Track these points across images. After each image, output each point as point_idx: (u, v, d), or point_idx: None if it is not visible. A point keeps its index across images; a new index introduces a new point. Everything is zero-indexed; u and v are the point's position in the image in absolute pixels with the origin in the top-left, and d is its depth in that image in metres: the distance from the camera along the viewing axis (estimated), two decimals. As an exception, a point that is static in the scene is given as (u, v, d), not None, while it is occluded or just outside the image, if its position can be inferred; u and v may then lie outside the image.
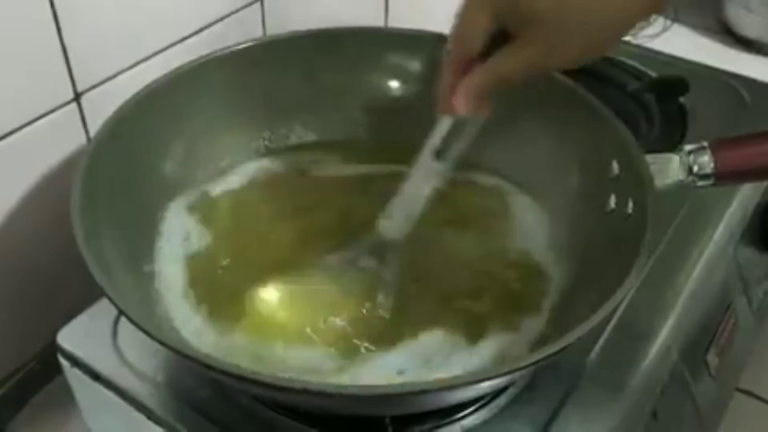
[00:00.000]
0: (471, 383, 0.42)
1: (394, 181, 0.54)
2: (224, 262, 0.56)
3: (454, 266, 0.57)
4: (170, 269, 0.55)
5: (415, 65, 0.66)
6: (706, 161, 0.50)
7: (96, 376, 0.54)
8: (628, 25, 0.42)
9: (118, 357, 0.54)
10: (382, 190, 0.55)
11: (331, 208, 0.61)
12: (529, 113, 0.61)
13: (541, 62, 0.43)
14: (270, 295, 0.54)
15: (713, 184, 0.51)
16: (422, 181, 0.52)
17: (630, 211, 0.51)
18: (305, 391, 0.40)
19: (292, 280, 0.55)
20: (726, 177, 0.50)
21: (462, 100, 0.45)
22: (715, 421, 0.71)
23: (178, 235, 0.58)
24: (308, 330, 0.52)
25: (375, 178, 0.63)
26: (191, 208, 0.59)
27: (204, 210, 0.60)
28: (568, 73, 0.60)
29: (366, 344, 0.51)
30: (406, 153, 0.53)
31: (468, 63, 0.45)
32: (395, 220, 0.54)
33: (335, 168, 0.65)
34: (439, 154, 0.51)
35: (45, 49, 0.55)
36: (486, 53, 0.44)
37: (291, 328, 0.52)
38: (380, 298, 0.53)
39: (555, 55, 0.43)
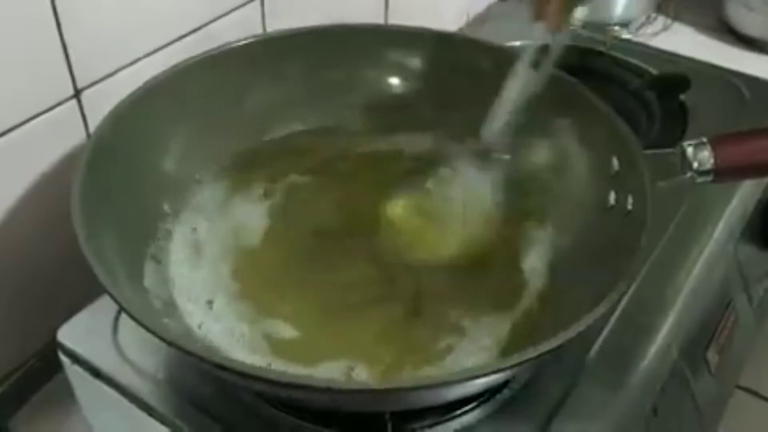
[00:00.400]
0: (467, 379, 0.42)
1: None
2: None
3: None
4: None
5: (414, 63, 0.66)
6: (705, 157, 0.50)
7: (96, 373, 0.54)
8: None
9: (118, 354, 0.54)
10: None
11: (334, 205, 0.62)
12: (530, 110, 0.61)
13: None
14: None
15: (713, 181, 0.51)
16: (519, 87, 0.57)
17: (630, 207, 0.51)
18: (304, 388, 0.40)
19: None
20: (726, 173, 0.50)
21: (554, 14, 0.55)
22: (715, 418, 0.71)
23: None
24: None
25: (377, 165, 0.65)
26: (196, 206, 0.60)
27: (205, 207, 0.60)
28: (568, 70, 0.60)
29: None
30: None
31: None
32: (496, 125, 0.58)
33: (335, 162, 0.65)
34: (534, 63, 0.57)
35: (45, 46, 0.55)
36: None
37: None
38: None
39: None
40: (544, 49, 0.56)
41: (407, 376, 0.49)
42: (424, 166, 0.64)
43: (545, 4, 0.55)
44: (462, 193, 0.61)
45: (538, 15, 0.56)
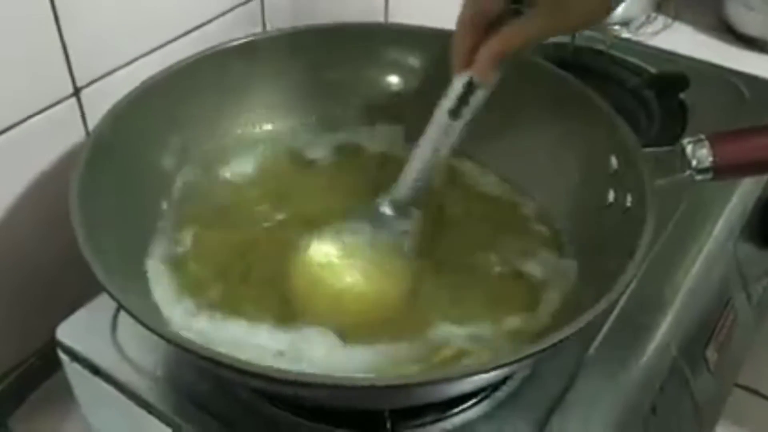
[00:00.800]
0: (465, 376, 0.42)
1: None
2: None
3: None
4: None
5: (414, 61, 0.66)
6: (704, 155, 0.50)
7: (95, 371, 0.54)
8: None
9: (117, 351, 0.54)
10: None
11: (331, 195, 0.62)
12: (529, 108, 0.61)
13: (553, 28, 0.48)
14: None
15: (712, 178, 0.51)
16: (437, 140, 0.54)
17: (628, 205, 0.51)
18: (302, 385, 0.40)
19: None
20: (725, 171, 0.50)
21: (485, 65, 0.49)
22: (713, 416, 0.71)
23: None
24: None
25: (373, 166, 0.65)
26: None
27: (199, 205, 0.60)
28: (568, 69, 0.60)
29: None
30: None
31: (487, 26, 0.49)
32: (411, 181, 0.55)
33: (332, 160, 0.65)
34: (453, 113, 0.52)
35: (45, 45, 0.55)
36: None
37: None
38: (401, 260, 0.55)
39: (564, 22, 0.47)
40: (464, 97, 0.52)
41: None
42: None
43: (471, 51, 0.49)
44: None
45: (465, 64, 0.50)
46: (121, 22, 0.59)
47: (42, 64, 0.55)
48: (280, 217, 0.60)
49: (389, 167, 0.64)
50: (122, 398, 0.53)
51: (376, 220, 0.56)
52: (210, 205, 0.60)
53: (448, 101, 0.52)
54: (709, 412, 0.66)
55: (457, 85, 0.52)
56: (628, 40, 0.94)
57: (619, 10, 1.01)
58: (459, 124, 0.53)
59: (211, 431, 0.50)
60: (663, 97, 0.80)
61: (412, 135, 0.65)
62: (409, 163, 0.55)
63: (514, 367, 0.48)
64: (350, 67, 0.66)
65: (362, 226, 0.56)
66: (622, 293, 0.45)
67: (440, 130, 0.53)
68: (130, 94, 0.56)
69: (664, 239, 0.63)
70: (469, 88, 0.51)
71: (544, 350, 0.41)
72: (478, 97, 0.52)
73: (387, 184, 0.58)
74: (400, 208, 0.56)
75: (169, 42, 0.63)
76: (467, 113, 0.52)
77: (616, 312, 0.57)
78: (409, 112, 0.66)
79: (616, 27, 1.00)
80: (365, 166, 0.65)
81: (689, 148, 0.50)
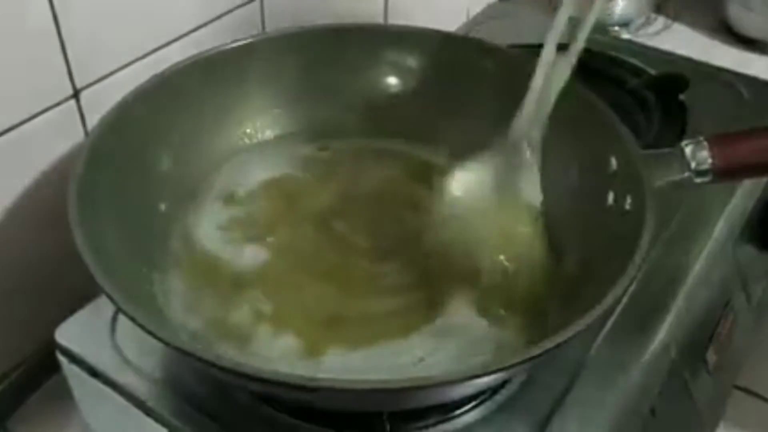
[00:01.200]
0: (463, 380, 0.41)
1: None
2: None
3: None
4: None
5: (413, 62, 0.66)
6: (704, 157, 0.50)
7: (94, 373, 0.54)
8: None
9: (116, 353, 0.54)
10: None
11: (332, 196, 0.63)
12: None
13: None
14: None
15: (711, 181, 0.51)
16: (548, 74, 0.54)
17: (628, 207, 0.51)
18: (298, 387, 0.40)
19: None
20: (724, 173, 0.50)
21: None
22: (713, 418, 0.71)
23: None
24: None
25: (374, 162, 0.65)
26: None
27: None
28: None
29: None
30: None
31: None
32: (531, 116, 0.55)
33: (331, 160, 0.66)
34: (560, 47, 0.53)
35: (44, 46, 0.55)
36: None
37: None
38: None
39: None
40: (570, 32, 0.53)
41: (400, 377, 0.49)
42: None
43: None
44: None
45: None
46: (120, 23, 0.59)
47: (41, 66, 0.55)
48: (306, 227, 0.61)
49: (390, 167, 0.65)
50: (121, 400, 0.53)
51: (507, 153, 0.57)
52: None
53: (554, 34, 0.53)
54: (708, 413, 0.66)
55: (562, 14, 0.52)
56: (627, 40, 0.94)
57: (619, 11, 1.01)
58: (568, 59, 0.53)
59: (209, 434, 0.50)
60: (662, 98, 0.79)
61: (413, 135, 0.66)
62: (526, 97, 0.55)
63: (511, 371, 0.48)
64: (350, 68, 0.66)
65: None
66: (622, 294, 0.45)
67: (548, 65, 0.54)
68: (129, 95, 0.56)
69: (664, 240, 0.63)
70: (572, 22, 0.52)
71: (541, 354, 0.41)
72: (584, 29, 0.52)
73: (390, 184, 0.58)
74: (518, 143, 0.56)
75: (168, 43, 0.63)
76: (575, 47, 0.53)
77: (615, 313, 0.57)
78: (409, 113, 0.66)
79: (616, 28, 1.00)
80: (367, 167, 0.65)
81: (688, 150, 0.50)
